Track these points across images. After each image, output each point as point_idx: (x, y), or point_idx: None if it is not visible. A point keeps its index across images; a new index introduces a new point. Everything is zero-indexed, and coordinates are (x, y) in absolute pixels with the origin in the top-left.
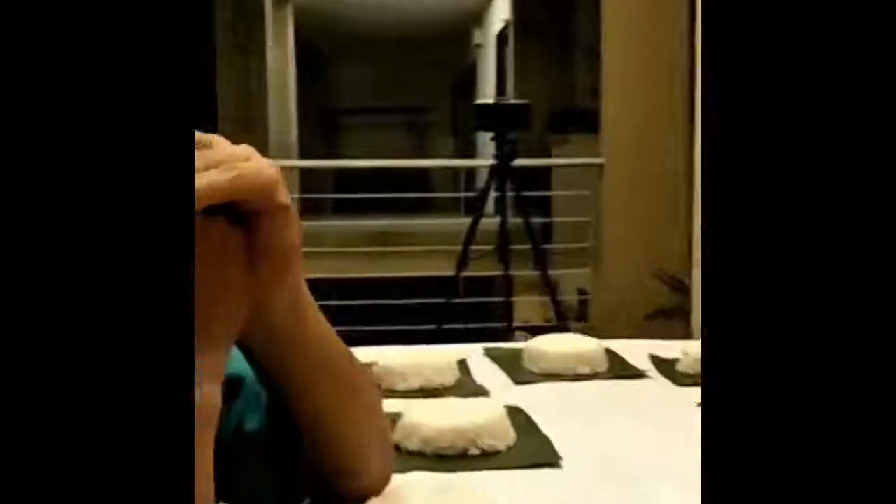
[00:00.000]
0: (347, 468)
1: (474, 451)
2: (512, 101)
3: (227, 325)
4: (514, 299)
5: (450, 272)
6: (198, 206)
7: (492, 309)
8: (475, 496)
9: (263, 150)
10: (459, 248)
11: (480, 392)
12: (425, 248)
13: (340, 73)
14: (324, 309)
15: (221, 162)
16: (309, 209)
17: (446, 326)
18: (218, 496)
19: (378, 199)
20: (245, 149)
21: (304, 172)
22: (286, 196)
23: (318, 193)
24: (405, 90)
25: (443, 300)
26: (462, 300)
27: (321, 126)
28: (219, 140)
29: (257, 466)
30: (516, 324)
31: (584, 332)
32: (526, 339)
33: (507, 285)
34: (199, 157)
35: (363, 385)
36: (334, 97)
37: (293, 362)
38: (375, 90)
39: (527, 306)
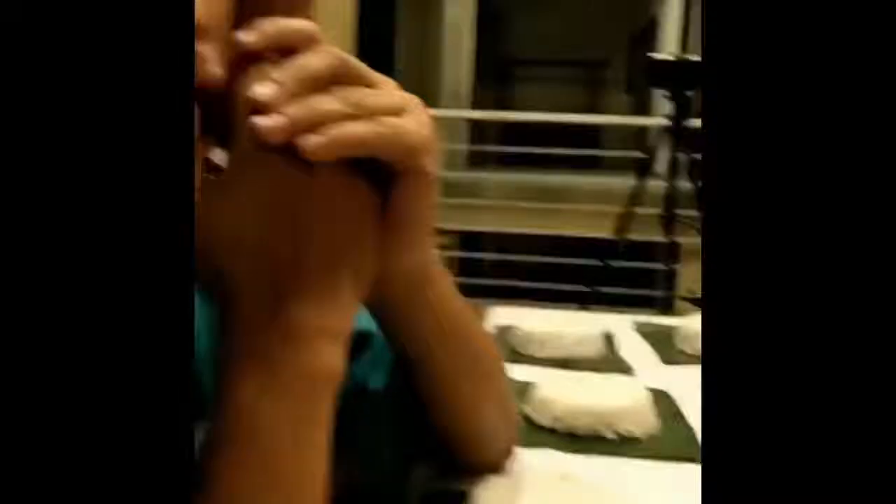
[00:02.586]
0: (467, 441)
1: (610, 436)
2: (691, 59)
3: (354, 283)
4: (677, 267)
5: (614, 234)
6: (332, 156)
7: (654, 276)
8: (602, 489)
9: (436, 100)
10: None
11: (624, 369)
12: (590, 206)
13: (518, 25)
14: (480, 262)
15: (370, 111)
16: (476, 161)
17: (601, 290)
18: (335, 455)
19: (545, 154)
20: (402, 101)
21: (473, 123)
22: (432, 163)
23: (487, 145)
24: (582, 43)
25: (599, 262)
26: (622, 264)
27: (495, 78)
28: (386, 83)
29: (379, 427)
30: (681, 294)
31: None
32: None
33: (670, 253)
34: (350, 99)
35: (490, 361)
36: (510, 49)
37: (408, 335)
38: (552, 43)
39: (696, 276)
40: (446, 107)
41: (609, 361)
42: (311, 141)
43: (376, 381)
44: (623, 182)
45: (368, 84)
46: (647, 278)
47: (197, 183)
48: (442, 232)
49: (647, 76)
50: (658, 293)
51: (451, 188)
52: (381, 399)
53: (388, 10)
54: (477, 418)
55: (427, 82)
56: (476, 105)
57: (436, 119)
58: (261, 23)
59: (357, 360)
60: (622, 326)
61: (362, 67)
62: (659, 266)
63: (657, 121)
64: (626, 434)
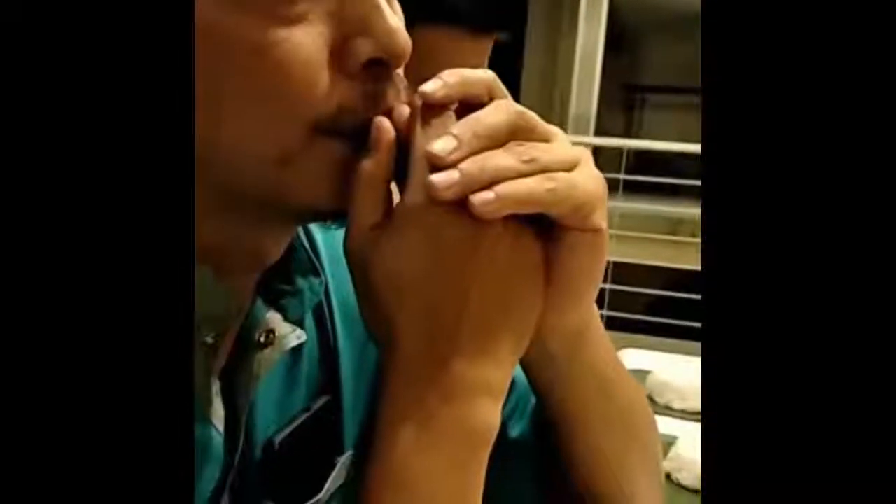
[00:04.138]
0: (610, 500)
1: None
2: None
3: (516, 339)
4: None
5: None
6: (501, 213)
7: None
8: None
9: (562, 126)
10: None
11: None
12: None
13: (649, 50)
14: (601, 293)
15: (544, 166)
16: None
17: None
18: None
19: (671, 183)
20: (575, 155)
21: (597, 150)
22: (602, 218)
23: (611, 172)
24: None
25: None
26: None
27: (622, 103)
28: (558, 135)
29: (517, 477)
30: None
31: None
32: None
33: None
34: (524, 155)
35: (644, 419)
36: (640, 74)
37: (563, 393)
38: (684, 69)
39: None
40: (573, 133)
41: None
42: (482, 198)
43: (516, 429)
44: None
45: (543, 137)
46: None
47: (378, 217)
48: None
49: None
50: None
51: None
52: (522, 448)
53: (518, 32)
54: (623, 477)
55: (553, 108)
56: (602, 132)
57: None
58: (443, 74)
59: None
60: None
61: (537, 120)
62: None
63: None
64: None
